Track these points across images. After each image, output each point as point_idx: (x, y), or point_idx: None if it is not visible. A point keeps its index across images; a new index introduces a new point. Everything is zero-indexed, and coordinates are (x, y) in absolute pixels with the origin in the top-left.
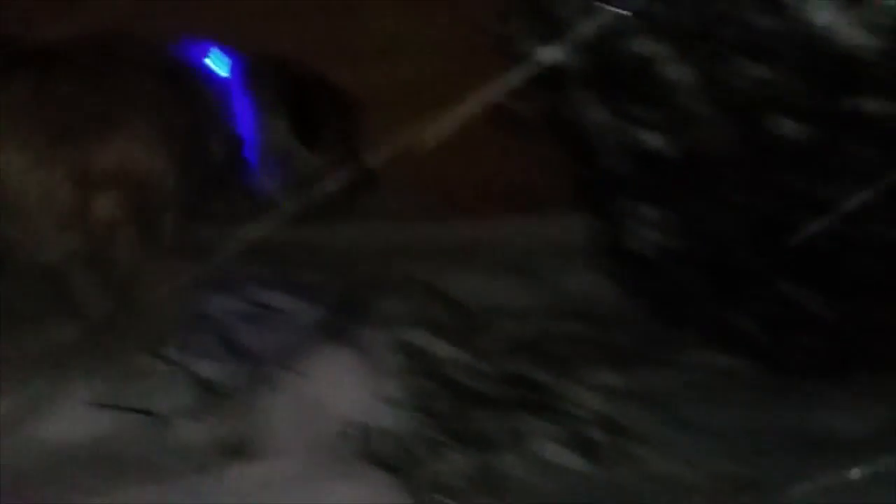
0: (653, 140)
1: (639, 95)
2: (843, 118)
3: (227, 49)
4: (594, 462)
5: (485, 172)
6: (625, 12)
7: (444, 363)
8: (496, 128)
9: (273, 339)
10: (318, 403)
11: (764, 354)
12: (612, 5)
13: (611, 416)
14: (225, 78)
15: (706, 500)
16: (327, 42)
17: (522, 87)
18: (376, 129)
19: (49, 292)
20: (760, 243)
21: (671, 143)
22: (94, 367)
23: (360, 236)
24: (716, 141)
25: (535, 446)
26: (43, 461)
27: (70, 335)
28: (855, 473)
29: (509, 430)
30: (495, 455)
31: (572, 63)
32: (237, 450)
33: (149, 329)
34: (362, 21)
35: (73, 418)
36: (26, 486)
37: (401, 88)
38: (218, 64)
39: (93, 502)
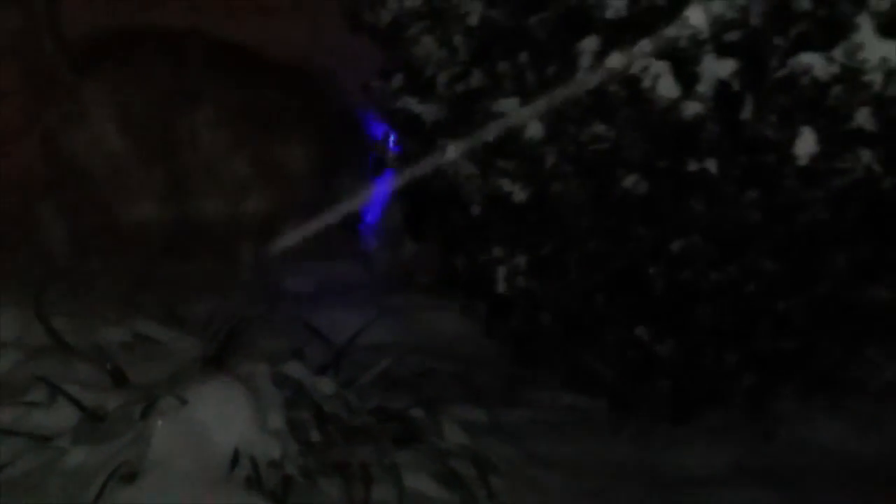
0: (512, 189)
1: (500, 149)
2: (679, 175)
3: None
4: (461, 494)
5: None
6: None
7: (322, 397)
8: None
9: (158, 370)
10: (204, 432)
11: (617, 396)
12: (479, 68)
13: (475, 451)
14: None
15: None
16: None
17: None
18: None
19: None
20: (609, 288)
21: (528, 193)
22: None
23: (239, 276)
24: (567, 192)
25: (405, 478)
26: None
27: None
28: None
29: (382, 463)
30: (369, 486)
31: (442, 117)
32: (127, 475)
33: None
34: None
35: None
36: None
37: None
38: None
39: None
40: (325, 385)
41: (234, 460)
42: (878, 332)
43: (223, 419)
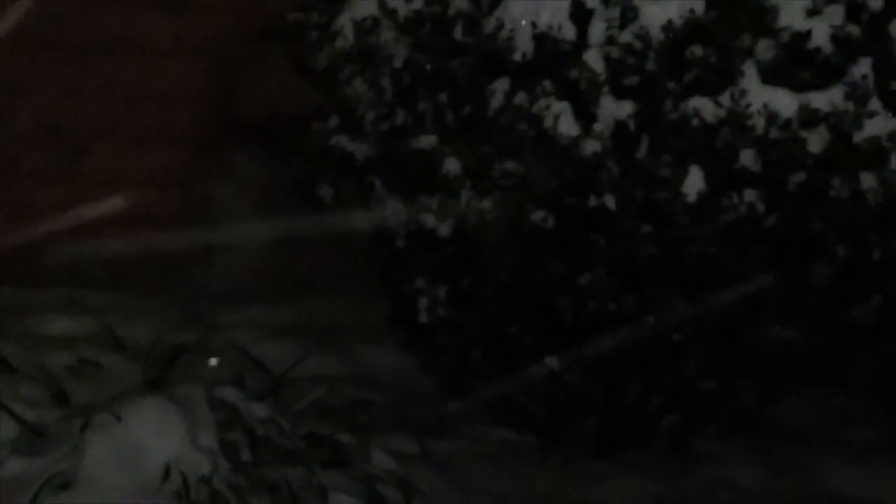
0: (436, 225)
1: (422, 184)
2: (582, 210)
3: None
4: None
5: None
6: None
7: (256, 421)
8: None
9: (98, 391)
10: (137, 447)
11: (545, 431)
12: (403, 108)
13: (403, 477)
14: None
15: None
16: None
17: (329, 175)
18: None
19: None
20: (522, 320)
21: (449, 227)
22: None
23: (184, 309)
24: (481, 226)
25: (332, 499)
26: None
27: None
28: None
29: (311, 484)
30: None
31: (370, 154)
32: (62, 484)
33: None
34: None
35: None
36: None
37: None
38: None
39: None
40: (260, 410)
41: (166, 474)
42: (791, 374)
43: (156, 435)
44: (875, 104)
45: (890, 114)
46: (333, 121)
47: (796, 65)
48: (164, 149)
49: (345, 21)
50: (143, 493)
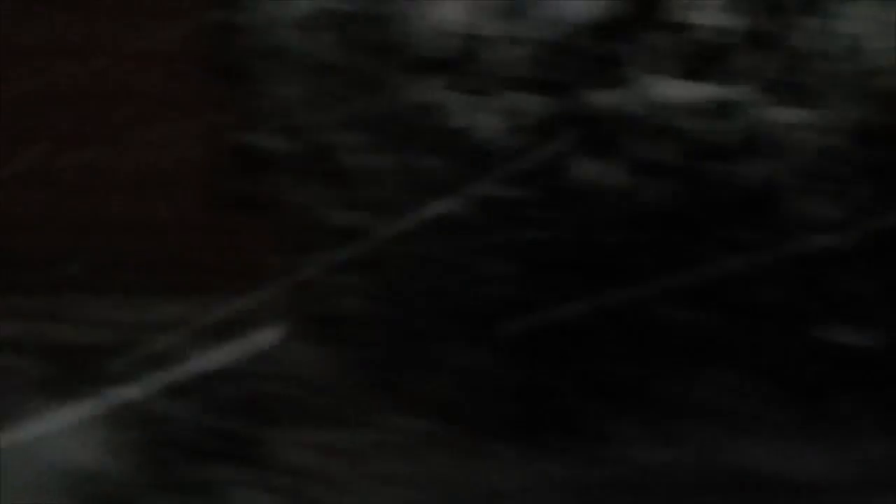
0: (346, 219)
1: (333, 179)
2: (486, 200)
3: None
4: None
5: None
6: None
7: (165, 419)
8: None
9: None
10: (43, 446)
11: (460, 418)
12: (319, 104)
13: (316, 469)
14: None
15: None
16: None
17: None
18: None
19: None
20: (438, 309)
21: (361, 221)
22: None
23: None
24: (396, 218)
25: (244, 494)
26: None
27: None
28: None
29: (222, 480)
30: (207, 501)
31: (282, 149)
32: None
33: None
34: None
35: None
36: None
37: None
38: None
39: None
40: (168, 407)
41: (71, 474)
42: (702, 360)
43: (61, 435)
44: (773, 96)
45: (789, 104)
46: (252, 119)
47: (701, 58)
48: None
49: (262, 20)
50: (48, 493)
